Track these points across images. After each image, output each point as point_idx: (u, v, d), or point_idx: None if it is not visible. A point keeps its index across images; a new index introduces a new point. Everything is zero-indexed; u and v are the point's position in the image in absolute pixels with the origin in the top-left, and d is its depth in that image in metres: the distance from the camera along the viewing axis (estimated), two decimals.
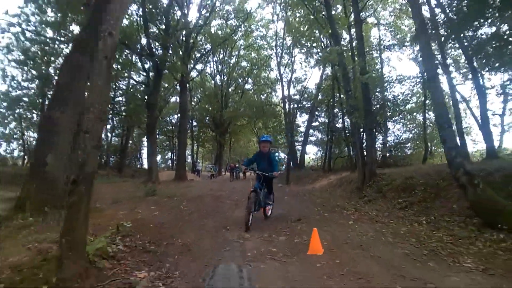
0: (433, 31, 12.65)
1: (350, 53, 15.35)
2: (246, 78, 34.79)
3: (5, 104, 22.30)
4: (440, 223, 6.11)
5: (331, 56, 13.74)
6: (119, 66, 19.78)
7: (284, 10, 24.85)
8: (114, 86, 25.17)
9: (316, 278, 3.11)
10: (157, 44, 20.00)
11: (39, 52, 18.47)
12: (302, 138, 29.29)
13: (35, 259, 3.14)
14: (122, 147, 30.66)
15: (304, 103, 28.58)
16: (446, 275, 3.21)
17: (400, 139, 20.53)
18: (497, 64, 13.22)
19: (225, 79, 34.64)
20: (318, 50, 24.37)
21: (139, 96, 23.98)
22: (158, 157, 33.94)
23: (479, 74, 14.04)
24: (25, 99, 22.07)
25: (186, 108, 23.75)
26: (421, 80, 17.63)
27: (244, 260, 3.61)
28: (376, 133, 19.31)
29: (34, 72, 20.09)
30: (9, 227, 5.01)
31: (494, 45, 11.77)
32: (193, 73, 28.64)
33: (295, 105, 28.70)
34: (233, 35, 27.85)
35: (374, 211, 8.11)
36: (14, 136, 25.63)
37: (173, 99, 32.20)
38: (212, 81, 35.59)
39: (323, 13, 16.45)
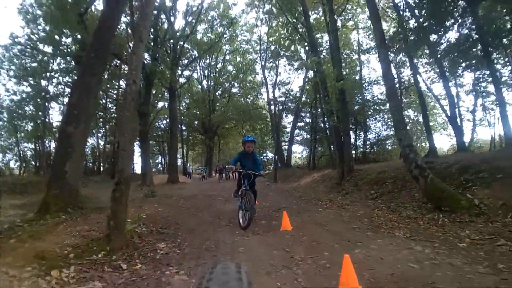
0: (401, 41, 14.27)
1: (330, 57, 16.60)
2: (233, 82, 35.91)
3: (4, 116, 23.44)
4: (396, 208, 7.52)
5: (310, 64, 15.20)
6: (109, 76, 21.01)
7: (266, 16, 26.18)
8: (105, 95, 26.30)
9: (284, 242, 4.50)
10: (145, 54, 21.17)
11: (38, 68, 19.59)
12: (288, 138, 30.79)
13: (84, 241, 4.45)
14: (114, 153, 31.64)
15: (290, 104, 29.95)
16: (375, 239, 4.63)
17: (380, 136, 22.20)
18: (463, 65, 14.89)
19: (212, 83, 35.56)
20: (301, 54, 25.85)
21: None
22: None
23: (447, 76, 15.68)
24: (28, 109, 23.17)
25: (176, 115, 24.94)
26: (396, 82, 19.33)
27: (234, 236, 5.00)
28: (358, 131, 20.90)
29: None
30: (44, 224, 6.26)
31: (460, 48, 13.42)
32: (181, 79, 29.68)
33: (281, 107, 30.23)
34: (218, 41, 28.87)
35: (348, 201, 9.52)
36: (10, 147, 26.62)
37: (161, 104, 33.16)
38: (199, 86, 36.53)
39: (302, 19, 17.81)
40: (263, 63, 30.36)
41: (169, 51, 22.17)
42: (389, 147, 22.00)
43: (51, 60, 19.32)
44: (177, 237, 4.96)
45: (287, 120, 32.53)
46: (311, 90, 24.67)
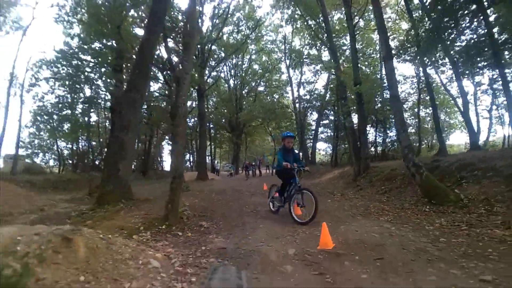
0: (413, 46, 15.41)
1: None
2: (259, 81, 37.57)
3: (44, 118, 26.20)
4: (395, 201, 8.99)
5: (329, 68, 16.68)
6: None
7: (290, 20, 27.61)
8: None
9: (292, 222, 6.20)
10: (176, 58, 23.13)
11: (83, 78, 21.92)
12: (313, 136, 32.20)
13: (146, 220, 6.25)
14: (146, 151, 34.08)
15: (314, 102, 31.23)
16: (360, 220, 6.21)
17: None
18: (476, 66, 15.80)
19: (239, 82, 37.45)
20: (323, 58, 27.09)
21: (162, 106, 27.30)
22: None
23: (463, 75, 16.64)
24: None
25: (204, 114, 26.93)
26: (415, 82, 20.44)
27: (256, 219, 6.71)
28: (378, 129, 22.09)
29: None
30: (107, 211, 8.15)
31: (471, 51, 14.41)
32: (209, 80, 31.65)
33: (306, 105, 31.52)
34: (244, 43, 30.54)
35: (358, 196, 10.95)
36: (49, 146, 29.44)
37: (188, 103, 35.02)
38: (226, 85, 38.55)
39: (322, 24, 19.21)
40: (287, 62, 31.79)
41: (197, 54, 24.00)
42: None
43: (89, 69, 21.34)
44: (213, 219, 6.75)
45: (312, 117, 33.84)
46: (334, 89, 25.94)
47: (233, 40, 31.26)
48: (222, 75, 37.33)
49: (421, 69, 18.64)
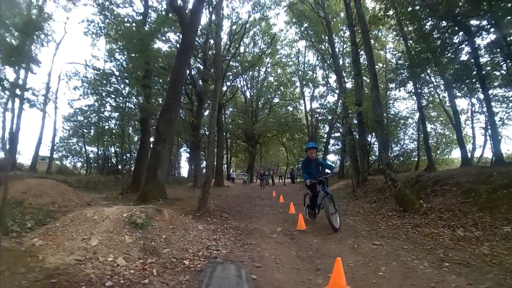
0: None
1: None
2: (273, 94, 40.38)
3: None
4: (376, 208, 11.61)
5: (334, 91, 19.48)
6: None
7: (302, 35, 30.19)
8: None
9: (287, 216, 9.02)
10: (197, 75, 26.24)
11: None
12: (324, 148, 34.66)
13: (183, 211, 9.11)
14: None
15: (326, 115, 33.58)
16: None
17: (405, 149, 25.90)
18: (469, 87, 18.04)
19: (255, 93, 40.32)
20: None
21: (184, 118, 30.28)
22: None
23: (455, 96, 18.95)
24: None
25: (222, 126, 29.96)
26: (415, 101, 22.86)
27: (261, 213, 9.57)
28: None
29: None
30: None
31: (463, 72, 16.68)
32: (227, 92, 34.34)
33: (318, 117, 34.14)
34: (260, 58, 33.29)
35: (353, 203, 13.60)
36: (78, 150, 33.20)
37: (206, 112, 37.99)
38: (243, 96, 41.44)
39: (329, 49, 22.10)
40: (301, 76, 34.60)
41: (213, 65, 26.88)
42: (413, 159, 25.52)
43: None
44: (231, 213, 9.62)
45: (324, 130, 36.33)
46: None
47: (250, 54, 34.36)
48: (239, 85, 39.95)
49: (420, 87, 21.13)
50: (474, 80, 16.07)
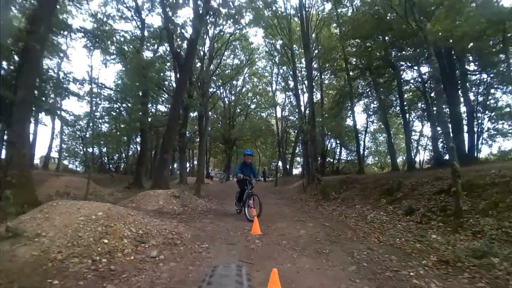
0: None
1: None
2: (249, 103, 47.58)
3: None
4: (305, 197, 19.32)
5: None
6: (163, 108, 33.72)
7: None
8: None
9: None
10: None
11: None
12: (292, 151, 42.24)
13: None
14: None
15: (295, 122, 40.84)
16: (273, 205, 16.62)
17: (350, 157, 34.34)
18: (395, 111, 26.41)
19: (233, 99, 47.06)
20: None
21: None
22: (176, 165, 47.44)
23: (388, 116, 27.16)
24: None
25: (204, 133, 36.96)
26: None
27: (232, 199, 17.10)
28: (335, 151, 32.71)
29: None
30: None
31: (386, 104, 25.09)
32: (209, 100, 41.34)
33: (288, 124, 41.52)
34: (238, 73, 40.62)
35: (298, 196, 21.07)
36: (76, 152, 40.23)
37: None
38: (222, 103, 47.96)
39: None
40: (274, 87, 42.25)
41: (199, 84, 33.99)
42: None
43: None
44: (213, 198, 17.13)
45: (294, 135, 43.59)
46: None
47: (230, 67, 41.42)
48: (219, 91, 45.76)
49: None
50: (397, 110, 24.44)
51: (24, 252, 4.90)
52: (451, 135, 10.73)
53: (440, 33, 13.49)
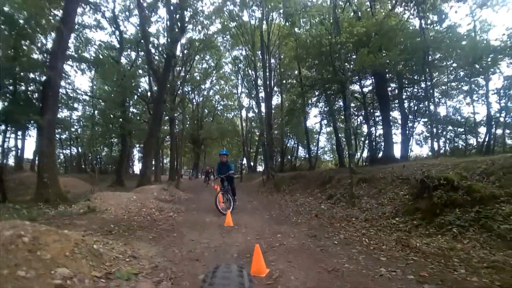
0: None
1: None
2: (217, 105, 52.80)
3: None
4: (265, 190, 25.16)
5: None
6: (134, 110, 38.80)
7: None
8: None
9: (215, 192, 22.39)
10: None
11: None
12: (255, 150, 47.80)
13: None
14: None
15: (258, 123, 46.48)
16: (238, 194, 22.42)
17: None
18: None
19: (201, 101, 51.75)
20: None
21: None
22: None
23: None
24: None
25: (174, 135, 42.23)
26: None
27: (204, 192, 22.78)
28: (293, 150, 38.84)
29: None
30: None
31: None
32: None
33: (253, 125, 46.60)
34: (206, 78, 45.51)
35: (257, 189, 26.88)
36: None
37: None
38: (190, 104, 52.13)
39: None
40: (240, 90, 47.07)
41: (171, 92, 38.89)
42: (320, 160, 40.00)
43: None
44: (187, 191, 22.63)
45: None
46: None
47: (198, 71, 46.01)
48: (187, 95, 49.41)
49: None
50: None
51: (106, 216, 10.31)
52: (352, 144, 16.73)
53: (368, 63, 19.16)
